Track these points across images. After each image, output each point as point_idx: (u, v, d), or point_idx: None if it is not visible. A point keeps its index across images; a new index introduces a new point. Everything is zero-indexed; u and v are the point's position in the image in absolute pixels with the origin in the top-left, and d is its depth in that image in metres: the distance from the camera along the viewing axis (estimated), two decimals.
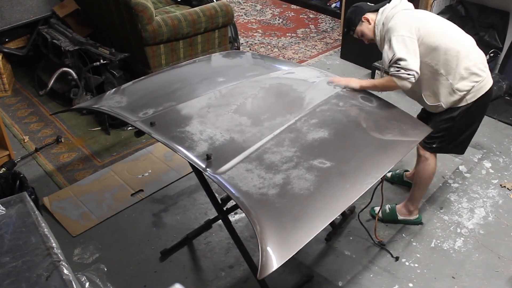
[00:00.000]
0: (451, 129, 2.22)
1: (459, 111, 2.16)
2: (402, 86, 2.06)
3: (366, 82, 2.25)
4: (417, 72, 2.01)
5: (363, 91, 2.21)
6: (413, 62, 2.00)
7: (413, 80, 2.03)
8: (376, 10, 2.24)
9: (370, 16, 2.24)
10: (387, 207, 2.54)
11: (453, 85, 2.10)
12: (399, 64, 2.02)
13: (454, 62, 2.07)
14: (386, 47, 2.09)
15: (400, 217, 2.50)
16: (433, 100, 2.19)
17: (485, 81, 2.13)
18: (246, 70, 2.34)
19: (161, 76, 2.48)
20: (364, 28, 2.26)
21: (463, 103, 2.14)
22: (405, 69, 2.01)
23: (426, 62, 2.09)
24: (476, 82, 2.10)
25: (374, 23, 2.22)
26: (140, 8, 3.18)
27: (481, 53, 2.16)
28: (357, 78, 2.40)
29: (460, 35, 2.15)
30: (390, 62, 2.05)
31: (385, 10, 2.19)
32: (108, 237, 2.47)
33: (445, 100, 2.15)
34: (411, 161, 2.97)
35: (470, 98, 2.13)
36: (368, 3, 2.34)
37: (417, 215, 2.50)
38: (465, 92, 2.11)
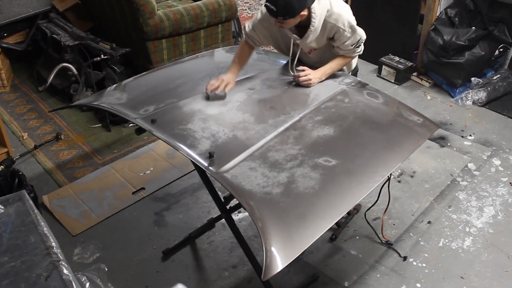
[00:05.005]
0: None
1: None
2: (355, 57, 2.33)
3: (326, 72, 2.21)
4: None
5: (369, 87, 2.19)
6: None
7: None
8: None
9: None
10: None
11: None
12: (360, 44, 2.22)
13: None
14: (347, 34, 2.13)
15: None
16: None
17: None
18: (249, 66, 2.31)
19: (162, 72, 2.47)
20: (297, 18, 2.07)
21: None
22: (361, 45, 2.23)
23: None
24: None
25: (310, 11, 2.05)
26: (142, 2, 3.15)
27: None
28: (348, 73, 2.39)
29: None
30: (354, 45, 2.19)
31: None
32: (109, 236, 2.44)
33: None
34: (419, 159, 2.93)
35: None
36: None
37: None
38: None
